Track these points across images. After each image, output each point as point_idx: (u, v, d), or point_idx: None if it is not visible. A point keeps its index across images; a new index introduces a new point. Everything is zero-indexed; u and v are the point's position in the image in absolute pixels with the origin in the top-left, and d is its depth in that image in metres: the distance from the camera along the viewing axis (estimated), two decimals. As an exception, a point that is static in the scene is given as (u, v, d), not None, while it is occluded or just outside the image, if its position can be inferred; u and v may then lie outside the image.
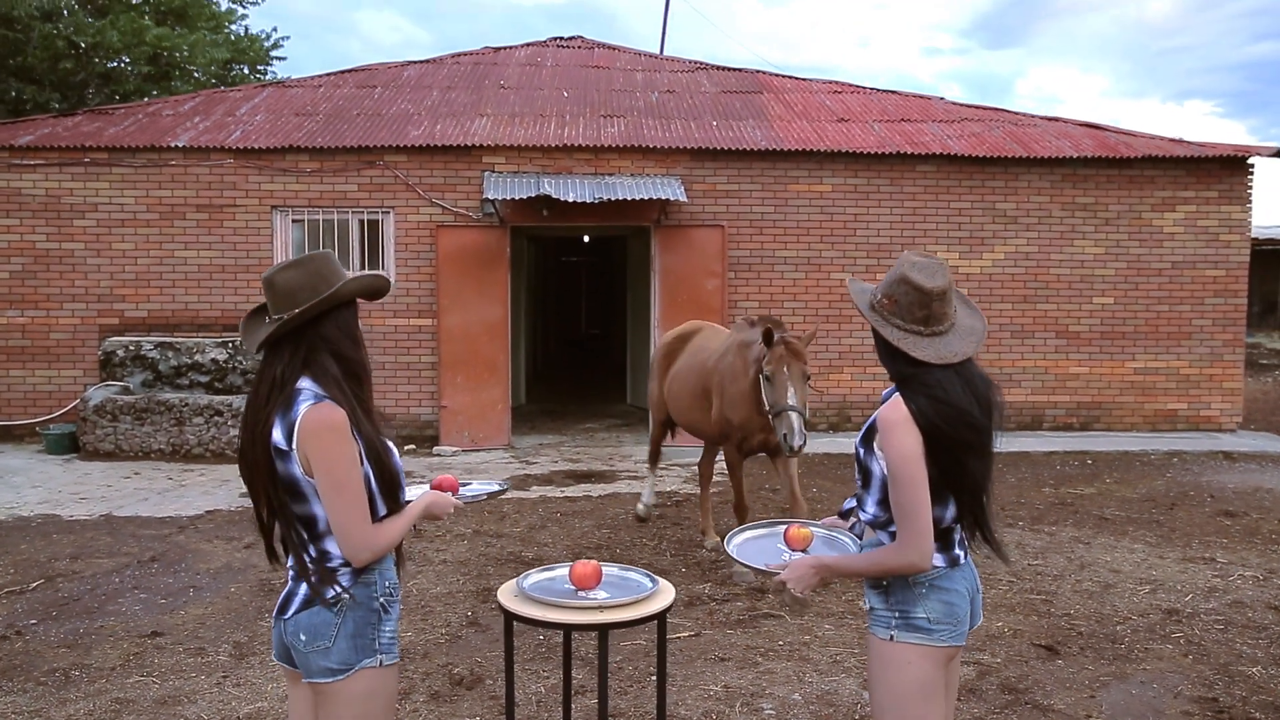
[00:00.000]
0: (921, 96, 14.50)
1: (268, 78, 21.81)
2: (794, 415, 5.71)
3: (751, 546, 3.07)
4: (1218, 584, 6.46)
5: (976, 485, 2.63)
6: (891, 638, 2.65)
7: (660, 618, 3.07)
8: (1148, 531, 7.82)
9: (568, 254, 24.10)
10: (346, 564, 2.54)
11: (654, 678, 4.99)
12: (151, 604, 6.10)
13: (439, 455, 11.32)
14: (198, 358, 11.45)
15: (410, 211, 11.72)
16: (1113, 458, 10.86)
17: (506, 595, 3.10)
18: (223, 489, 9.42)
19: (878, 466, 2.65)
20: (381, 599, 2.58)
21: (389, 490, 2.61)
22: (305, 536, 2.56)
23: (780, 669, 5.05)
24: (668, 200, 11.33)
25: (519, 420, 13.03)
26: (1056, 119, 13.49)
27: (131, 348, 11.40)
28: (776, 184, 11.99)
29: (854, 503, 2.87)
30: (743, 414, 6.42)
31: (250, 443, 2.56)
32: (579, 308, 26.77)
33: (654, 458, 8.17)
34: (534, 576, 3.22)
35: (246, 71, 21.71)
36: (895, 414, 2.57)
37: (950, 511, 2.66)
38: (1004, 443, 2.75)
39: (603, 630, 2.87)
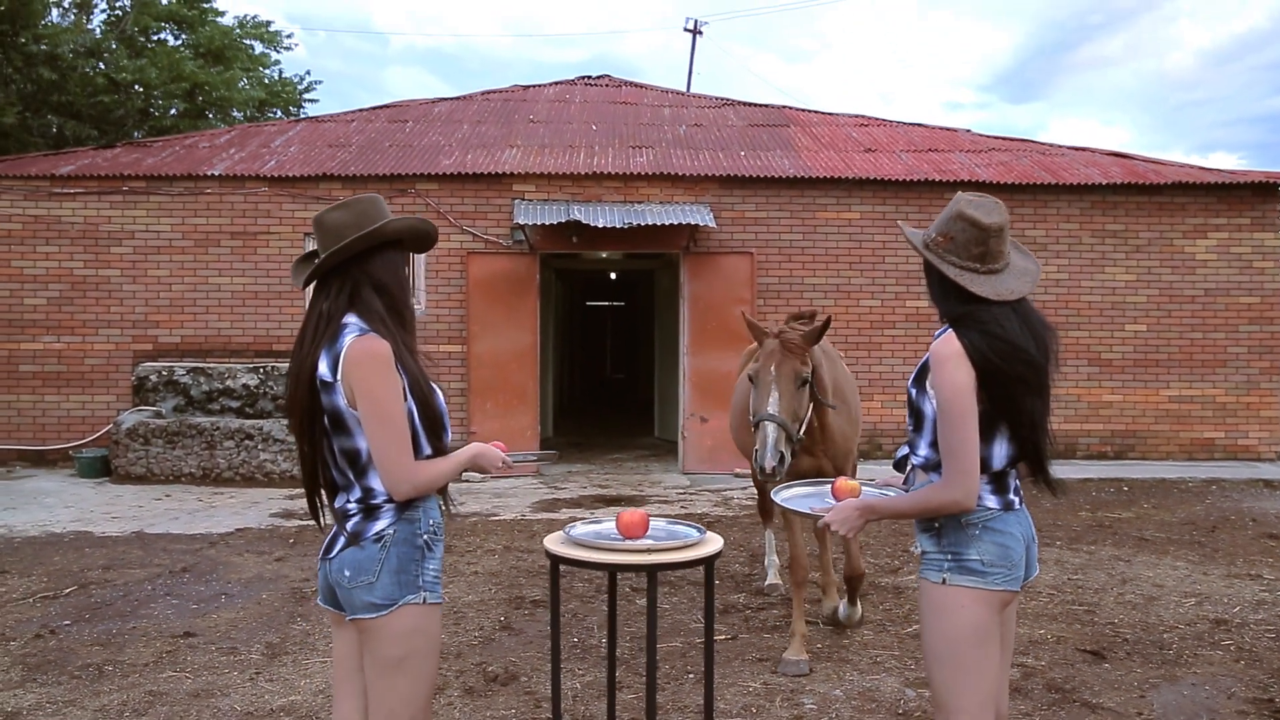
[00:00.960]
0: (948, 129, 14.56)
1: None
2: (769, 426, 4.39)
3: (799, 502, 3.02)
4: (1266, 597, 6.31)
5: (1034, 423, 2.59)
6: (944, 581, 2.59)
7: (709, 562, 3.02)
8: (1190, 551, 7.67)
9: (594, 297, 24.23)
10: (390, 500, 2.53)
11: (691, 676, 4.92)
12: (183, 609, 6.08)
13: (467, 481, 11.28)
14: (229, 383, 11.52)
15: (441, 239, 11.68)
16: (1149, 484, 10.69)
17: (553, 542, 3.07)
18: (253, 510, 9.42)
19: (929, 407, 2.61)
20: (425, 536, 2.57)
21: (433, 428, 2.60)
22: (350, 475, 2.56)
23: (820, 669, 4.96)
24: (697, 227, 11.37)
25: (545, 449, 12.99)
26: (1084, 149, 13.50)
27: (164, 373, 11.49)
28: (805, 211, 12.02)
29: (906, 450, 2.82)
30: (745, 434, 5.33)
31: (296, 381, 2.57)
32: (604, 351, 26.87)
33: (762, 508, 6.74)
34: (581, 527, 3.19)
35: (279, 114, 22.09)
36: (947, 349, 2.54)
37: (1004, 451, 2.61)
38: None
39: (651, 571, 2.83)
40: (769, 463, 4.29)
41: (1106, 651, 5.22)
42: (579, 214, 11.14)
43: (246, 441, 10.87)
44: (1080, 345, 12.04)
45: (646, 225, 11.13)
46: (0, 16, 14.19)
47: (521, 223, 11.26)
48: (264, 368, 11.56)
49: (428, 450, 2.60)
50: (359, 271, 2.60)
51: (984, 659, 2.58)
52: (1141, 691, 4.65)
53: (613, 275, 19.28)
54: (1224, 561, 7.30)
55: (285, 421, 10.82)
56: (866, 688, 4.69)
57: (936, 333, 2.66)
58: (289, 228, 11.81)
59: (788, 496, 3.07)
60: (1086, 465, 11.67)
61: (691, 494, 10.59)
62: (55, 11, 17.31)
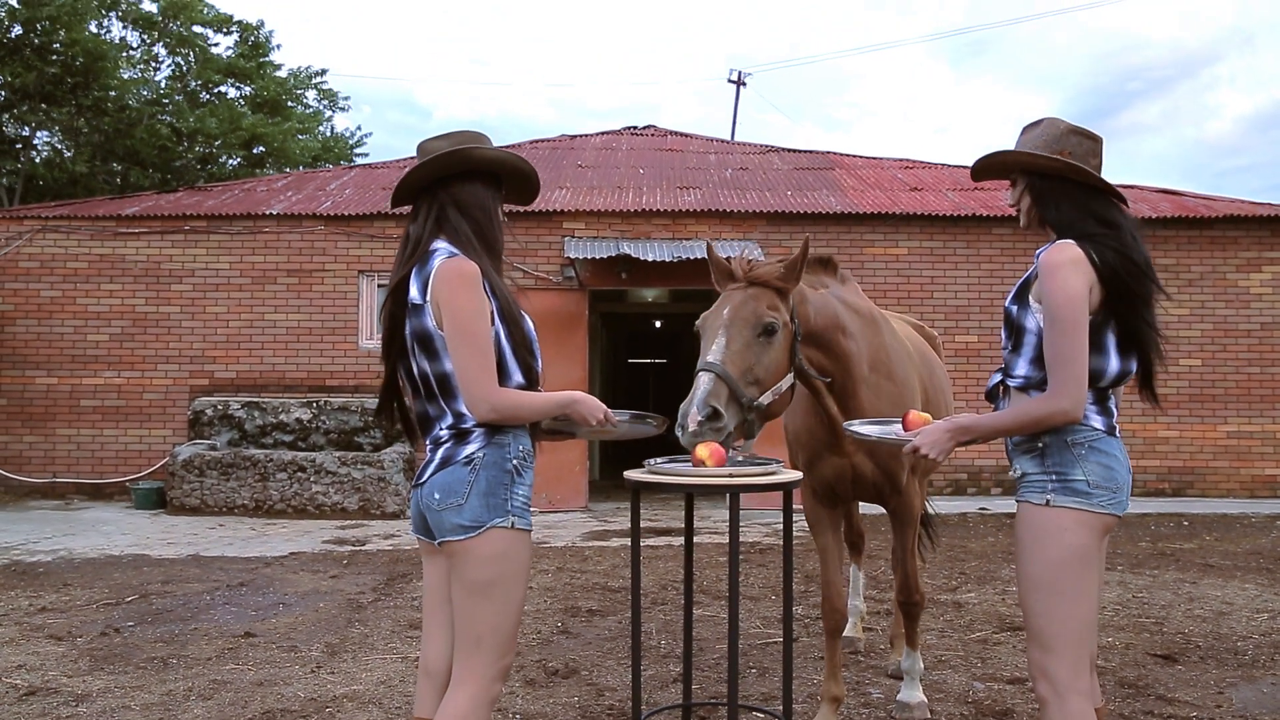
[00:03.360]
0: (994, 170, 14.58)
1: (353, 167, 22.85)
2: (702, 377, 3.09)
3: (870, 431, 2.96)
4: (1341, 613, 6.13)
5: (1152, 340, 2.57)
6: (1048, 502, 2.52)
7: (787, 487, 3.01)
8: (1259, 576, 7.47)
9: (637, 354, 24.31)
10: (480, 425, 2.54)
11: (754, 670, 4.86)
12: (242, 614, 6.12)
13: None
14: (282, 417, 11.68)
15: (492, 275, 11.96)
16: (1210, 519, 10.45)
17: (633, 474, 3.09)
18: (305, 538, 9.48)
19: (1032, 320, 2.55)
20: (515, 461, 2.56)
21: (521, 353, 2.59)
22: (442, 402, 2.57)
23: (882, 665, 4.88)
24: (744, 262, 11.43)
25: (593, 490, 12.97)
26: (1132, 186, 13.46)
27: (219, 407, 11.68)
28: (852, 247, 12.06)
29: (998, 378, 2.74)
30: (794, 419, 3.97)
31: (391, 308, 2.61)
32: (646, 405, 26.90)
33: (850, 544, 5.45)
34: (661, 462, 3.18)
35: (330, 168, 22.69)
36: (1061, 255, 2.48)
37: (1114, 367, 2.54)
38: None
39: (733, 491, 2.83)
40: (694, 416, 2.96)
41: (1179, 656, 5.09)
42: (629, 249, 11.27)
43: (299, 474, 10.97)
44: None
45: (695, 259, 11.22)
46: (74, 71, 14.80)
47: (572, 257, 11.40)
48: (317, 402, 11.71)
49: (518, 377, 2.58)
50: (445, 195, 2.64)
51: (1086, 585, 2.51)
52: (1219, 689, 4.53)
53: (658, 324, 19.39)
54: (1295, 584, 7.10)
55: (338, 455, 10.96)
56: (934, 680, 4.60)
57: (1041, 248, 2.60)
58: (343, 265, 12.05)
59: (858, 427, 2.97)
60: (1144, 501, 11.43)
61: (742, 526, 10.49)
62: (124, 66, 18.04)
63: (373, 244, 12.04)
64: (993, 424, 2.61)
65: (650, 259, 11.14)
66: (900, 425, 2.85)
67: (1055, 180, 2.61)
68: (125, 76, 16.87)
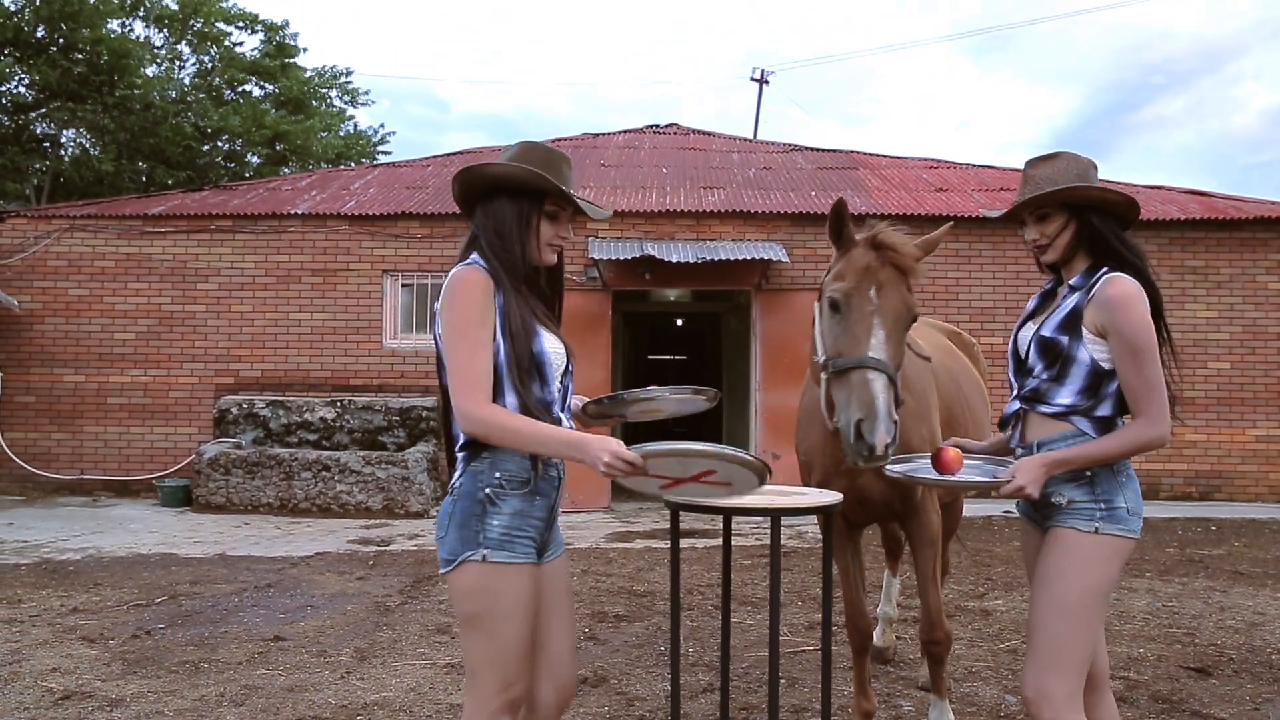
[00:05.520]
0: (1019, 170, 14.48)
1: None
2: (875, 379, 2.73)
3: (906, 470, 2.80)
4: (1376, 624, 6.06)
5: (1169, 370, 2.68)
6: (1096, 530, 2.57)
7: (826, 511, 3.00)
8: (1289, 584, 7.40)
9: (657, 351, 24.28)
10: (464, 449, 2.48)
11: (782, 681, 4.84)
12: (271, 617, 6.15)
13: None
14: (307, 416, 11.73)
15: (515, 275, 11.98)
16: (1239, 524, 10.35)
17: (670, 496, 3.07)
18: (330, 537, 9.52)
19: (1085, 352, 2.59)
20: (488, 490, 2.42)
21: (518, 373, 2.43)
22: (450, 419, 2.52)
23: (912, 676, 4.86)
24: (769, 263, 11.41)
25: (615, 490, 12.98)
26: (1160, 187, 13.34)
27: (244, 405, 11.75)
28: (877, 248, 11.98)
29: (1016, 405, 2.73)
30: (808, 438, 3.63)
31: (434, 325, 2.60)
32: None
33: (887, 550, 5.48)
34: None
35: (354, 167, 22.78)
36: (1132, 287, 2.55)
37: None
38: None
39: (775, 515, 2.81)
40: (881, 438, 2.61)
41: (1212, 669, 5.04)
42: (653, 250, 11.25)
43: (324, 473, 11.02)
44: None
45: (719, 261, 11.20)
46: (100, 70, 14.91)
47: (596, 258, 11.40)
48: (341, 401, 11.76)
49: (511, 398, 2.43)
50: (478, 212, 2.58)
51: (1104, 613, 2.61)
52: (1255, 705, 4.48)
53: (679, 321, 19.37)
54: (1327, 593, 7.03)
55: (362, 454, 11.01)
56: (965, 694, 4.58)
57: (1075, 281, 2.66)
58: (367, 264, 12.09)
59: (901, 470, 2.74)
60: (1171, 505, 11.34)
61: (764, 528, 10.49)
62: (149, 62, 18.17)
63: (397, 244, 12.08)
64: (1091, 453, 2.56)
65: (674, 260, 11.12)
66: (929, 461, 2.71)
67: (1100, 214, 2.66)
68: (150, 74, 17.02)
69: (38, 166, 16.32)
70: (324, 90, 22.07)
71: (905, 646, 5.49)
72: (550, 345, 2.50)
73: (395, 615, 6.19)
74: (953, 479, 2.61)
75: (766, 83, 24.69)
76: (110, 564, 8.02)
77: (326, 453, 11.23)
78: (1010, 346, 2.83)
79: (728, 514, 2.95)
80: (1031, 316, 2.80)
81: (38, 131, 16.77)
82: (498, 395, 2.43)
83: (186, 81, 18.96)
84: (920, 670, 4.80)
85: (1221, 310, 11.92)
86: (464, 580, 2.43)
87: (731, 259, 11.23)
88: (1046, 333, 2.65)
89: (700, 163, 14.71)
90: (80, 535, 9.42)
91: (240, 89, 20.11)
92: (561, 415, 2.52)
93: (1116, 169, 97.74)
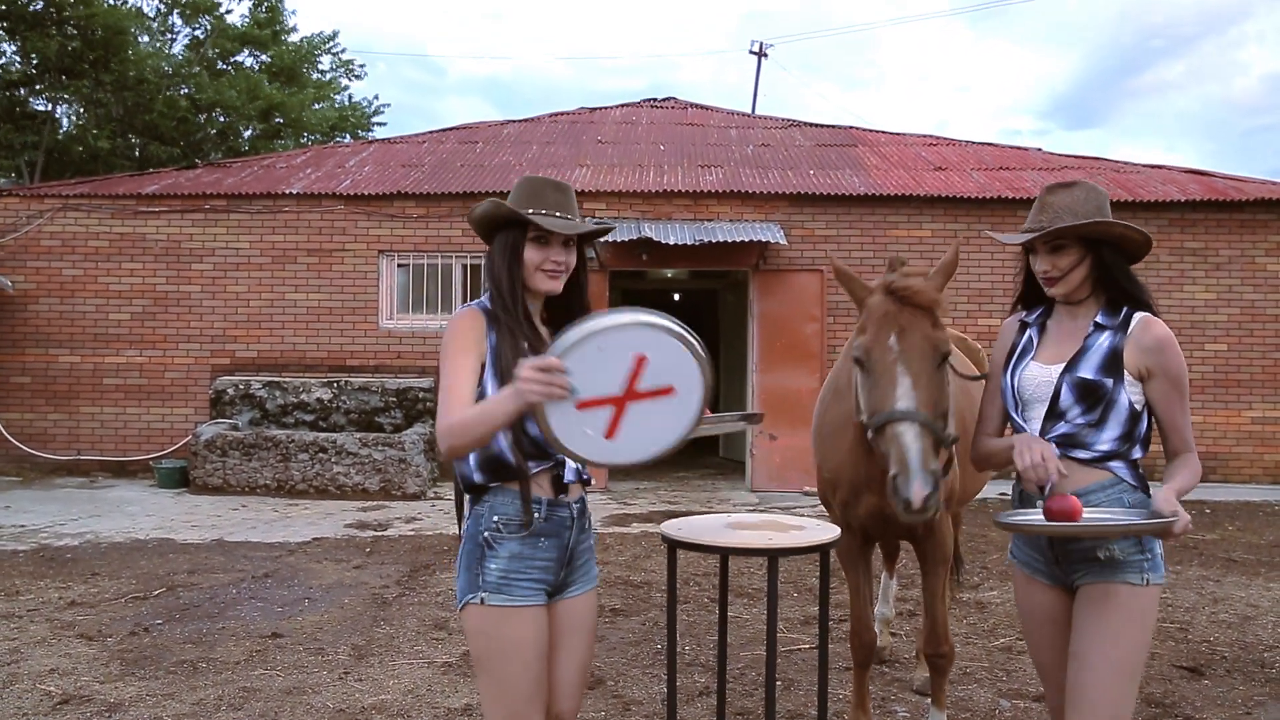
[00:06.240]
0: (1019, 148, 14.43)
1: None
2: (907, 431, 2.65)
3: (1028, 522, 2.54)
4: (1368, 619, 6.09)
5: None
6: (1146, 582, 2.52)
7: (825, 550, 3.00)
8: (1282, 573, 7.45)
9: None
10: (468, 491, 2.52)
11: (778, 683, 4.87)
12: (269, 611, 6.17)
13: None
14: (303, 397, 11.72)
15: (512, 256, 11.92)
16: (1233, 507, 10.40)
17: (669, 529, 3.07)
18: (327, 521, 9.54)
19: (1125, 395, 2.53)
20: (486, 533, 2.47)
21: None
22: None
23: (906, 678, 4.89)
24: (766, 244, 11.37)
25: (611, 470, 13.00)
26: (1160, 166, 13.28)
27: (241, 386, 11.73)
28: (876, 229, 11.96)
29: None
30: (835, 454, 3.59)
31: None
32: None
33: (885, 553, 5.37)
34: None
35: (349, 138, 22.60)
36: (1167, 329, 2.56)
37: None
38: None
39: (772, 555, 2.81)
40: (917, 493, 2.54)
41: (1205, 669, 5.07)
42: (650, 231, 11.20)
43: (320, 454, 11.03)
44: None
45: (717, 243, 11.15)
46: (94, 44, 14.75)
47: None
48: (337, 382, 11.75)
49: (500, 442, 2.44)
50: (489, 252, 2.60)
51: None
52: (1247, 709, 4.52)
53: (676, 296, 19.32)
54: (1320, 584, 7.07)
55: (358, 435, 11.00)
56: (959, 697, 4.60)
57: (1100, 319, 2.61)
58: (363, 245, 12.03)
59: (1021, 521, 2.53)
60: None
61: (761, 512, 10.53)
62: (142, 32, 17.97)
63: (392, 224, 12.01)
64: (1191, 485, 2.55)
65: (672, 242, 11.07)
66: (1042, 515, 2.47)
67: (1115, 250, 2.60)
68: (144, 45, 16.80)
69: (31, 143, 16.19)
70: (316, 57, 21.82)
71: (900, 645, 5.52)
72: None
73: (393, 609, 6.22)
74: (1111, 523, 2.44)
75: (765, 55, 24.50)
76: (108, 550, 8.04)
77: (323, 434, 11.22)
78: (1007, 383, 2.70)
79: (725, 553, 2.94)
80: (1027, 353, 2.69)
81: (31, 108, 16.63)
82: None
83: (179, 54, 18.77)
84: (915, 672, 4.82)
85: (1220, 292, 11.90)
86: (468, 621, 2.50)
87: (729, 241, 11.17)
88: (1088, 375, 2.55)
89: (698, 139, 14.62)
90: (77, 519, 9.44)
91: (233, 60, 19.91)
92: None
93: (1115, 134, 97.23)
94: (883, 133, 15.28)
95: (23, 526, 9.00)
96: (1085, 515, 2.41)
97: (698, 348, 2.15)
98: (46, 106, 16.94)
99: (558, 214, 2.54)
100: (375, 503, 10.52)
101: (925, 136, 14.97)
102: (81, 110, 16.97)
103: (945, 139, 14.85)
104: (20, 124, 15.98)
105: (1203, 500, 10.58)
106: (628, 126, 15.38)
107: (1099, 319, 2.60)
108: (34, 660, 5.08)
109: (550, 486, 2.51)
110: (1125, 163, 13.51)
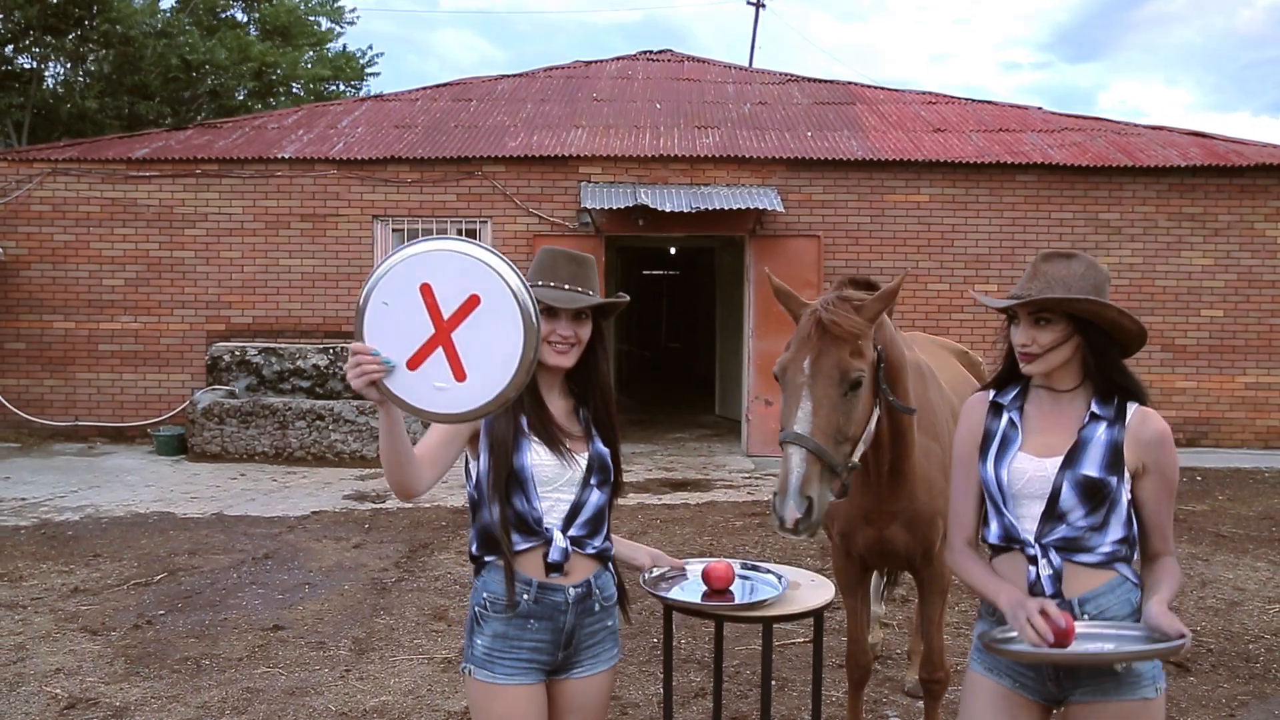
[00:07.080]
0: (1019, 106, 14.28)
1: (364, 93, 22.43)
2: (793, 454, 2.73)
3: (1090, 643, 2.34)
4: (1352, 605, 6.19)
5: None
6: (1158, 691, 2.34)
7: (818, 614, 3.03)
8: (1269, 550, 7.55)
9: (650, 267, 24.11)
10: (471, 561, 2.56)
11: (772, 684, 4.96)
12: (270, 599, 6.24)
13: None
14: (299, 363, 11.72)
15: (508, 221, 11.88)
16: (1224, 474, 10.50)
17: (662, 591, 3.05)
18: (325, 491, 9.61)
19: (1123, 492, 2.37)
20: (478, 607, 2.50)
21: (497, 487, 2.42)
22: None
23: (899, 677, 4.97)
24: (763, 210, 11.30)
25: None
26: (1161, 128, 13.16)
27: (237, 353, 11.72)
28: (873, 194, 11.89)
29: (1033, 551, 2.40)
30: None
31: None
32: (660, 320, 26.78)
33: (844, 582, 5.30)
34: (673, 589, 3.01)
35: (343, 88, 22.31)
36: (1168, 426, 2.42)
37: None
38: None
39: (766, 623, 2.85)
40: (789, 514, 2.64)
41: (1190, 663, 5.16)
42: (646, 198, 11.12)
43: (318, 422, 11.07)
44: (1154, 331, 11.79)
45: (713, 210, 11.09)
46: (80, 1, 14.47)
47: (589, 206, 11.27)
48: (333, 348, 11.74)
49: (487, 511, 2.45)
50: None
51: None
52: (1230, 709, 4.61)
53: (673, 251, 19.23)
54: (1307, 563, 7.17)
55: (355, 403, 11.03)
56: (951, 698, 4.68)
57: (1096, 408, 2.41)
58: (357, 210, 11.95)
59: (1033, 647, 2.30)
60: (1158, 453, 11.47)
61: (757, 478, 10.63)
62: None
63: (387, 189, 11.92)
64: (1178, 591, 2.43)
65: (668, 209, 11.00)
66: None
67: (1109, 338, 2.40)
68: (132, 1, 16.51)
69: (17, 103, 15.92)
70: (312, 20, 21.43)
71: (895, 639, 5.60)
72: (537, 460, 2.45)
73: (392, 596, 6.29)
74: (1125, 651, 2.23)
75: (763, 6, 24.09)
76: (109, 527, 8.10)
77: (321, 402, 11.25)
78: (990, 476, 2.46)
79: (719, 619, 2.97)
80: (1011, 442, 2.46)
81: (17, 66, 16.33)
82: (480, 508, 2.48)
83: (168, 12, 18.42)
84: (907, 673, 4.91)
85: (1217, 258, 11.88)
86: (466, 686, 2.56)
87: (725, 208, 11.11)
88: (1093, 473, 2.34)
89: (695, 97, 14.44)
90: (77, 490, 9.50)
91: (225, 16, 19.53)
92: (556, 531, 2.46)
93: (1117, 67, 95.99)
94: (882, 89, 15.11)
95: (23, 500, 9.05)
96: (1082, 627, 2.28)
97: (465, 243, 2.06)
98: (33, 64, 16.65)
99: (567, 286, 2.49)
100: (372, 470, 10.58)
101: (925, 94, 14.79)
102: (68, 67, 16.69)
103: (944, 96, 14.67)
104: (5, 84, 15.71)
105: (1194, 468, 10.67)
106: (624, 82, 15.18)
107: (1095, 409, 2.39)
108: (39, 658, 5.15)
109: (542, 567, 2.45)
110: (1126, 123, 13.39)
